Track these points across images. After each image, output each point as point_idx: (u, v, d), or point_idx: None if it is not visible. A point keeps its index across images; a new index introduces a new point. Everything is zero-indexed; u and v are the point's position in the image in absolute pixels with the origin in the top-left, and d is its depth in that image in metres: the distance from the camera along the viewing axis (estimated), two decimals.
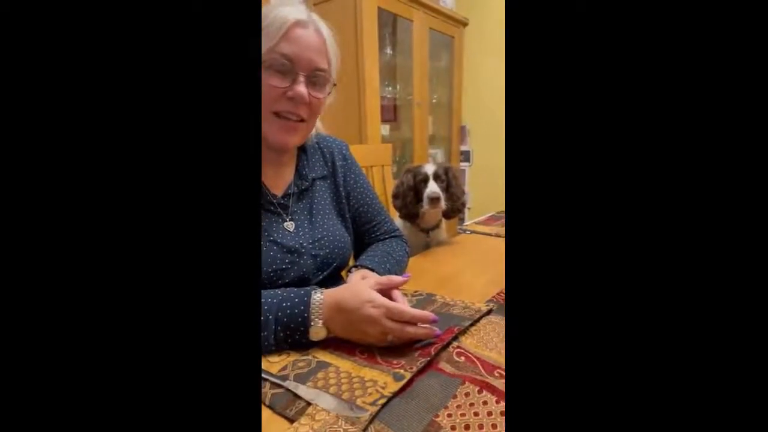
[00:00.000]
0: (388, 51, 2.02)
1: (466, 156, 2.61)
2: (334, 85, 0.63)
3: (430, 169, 0.97)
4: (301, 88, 0.56)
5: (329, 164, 0.73)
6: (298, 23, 0.55)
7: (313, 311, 0.49)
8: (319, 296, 0.49)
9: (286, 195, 0.65)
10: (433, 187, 0.94)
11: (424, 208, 0.95)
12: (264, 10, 0.53)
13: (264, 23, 0.53)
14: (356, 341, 0.49)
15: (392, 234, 0.79)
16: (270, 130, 0.58)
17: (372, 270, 0.62)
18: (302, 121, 0.59)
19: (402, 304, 0.49)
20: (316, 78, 0.58)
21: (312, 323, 0.48)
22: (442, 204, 0.94)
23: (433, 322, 0.48)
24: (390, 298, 0.52)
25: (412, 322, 0.48)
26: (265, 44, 0.54)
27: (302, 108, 0.58)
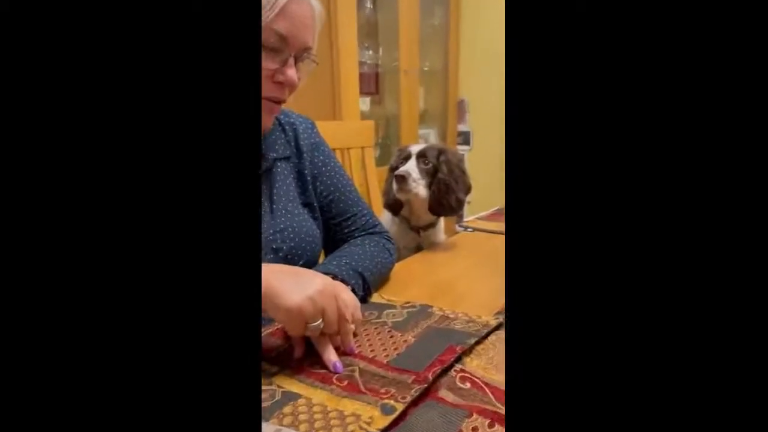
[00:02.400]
0: (368, 6, 2.01)
1: (465, 137, 2.61)
2: (316, 64, 0.66)
3: (416, 147, 0.96)
4: (292, 72, 0.60)
5: (292, 143, 0.75)
6: None
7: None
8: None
9: None
10: (406, 165, 0.92)
11: (393, 189, 0.93)
12: None
13: None
14: (279, 306, 0.47)
15: (371, 230, 0.78)
16: None
17: (336, 277, 0.60)
18: (281, 102, 0.64)
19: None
20: (303, 58, 0.63)
21: None
22: (416, 188, 0.91)
23: (334, 368, 0.49)
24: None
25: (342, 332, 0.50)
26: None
27: (287, 91, 0.63)
